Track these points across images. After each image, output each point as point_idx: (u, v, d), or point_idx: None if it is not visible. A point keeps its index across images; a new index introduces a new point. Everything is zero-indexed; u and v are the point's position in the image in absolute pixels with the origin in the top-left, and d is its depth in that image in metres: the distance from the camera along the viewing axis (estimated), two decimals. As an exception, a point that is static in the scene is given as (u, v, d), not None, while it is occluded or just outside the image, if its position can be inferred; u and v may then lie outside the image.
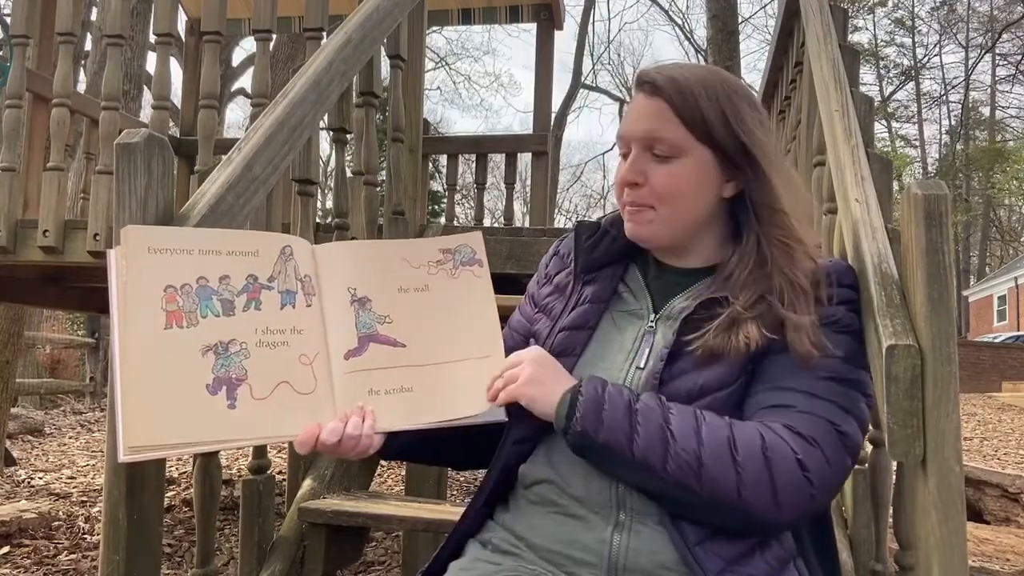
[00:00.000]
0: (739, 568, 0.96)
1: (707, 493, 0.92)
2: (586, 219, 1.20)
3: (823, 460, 0.93)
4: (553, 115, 10.75)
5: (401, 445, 1.09)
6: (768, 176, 1.04)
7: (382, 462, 4.53)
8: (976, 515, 4.31)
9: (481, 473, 1.19)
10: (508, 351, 1.21)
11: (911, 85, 35.47)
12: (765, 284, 1.01)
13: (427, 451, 1.17)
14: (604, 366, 1.07)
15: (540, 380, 1.02)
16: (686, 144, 1.03)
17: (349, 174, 2.49)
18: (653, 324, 1.07)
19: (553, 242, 1.26)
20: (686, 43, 25.92)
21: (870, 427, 1.63)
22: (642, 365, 1.04)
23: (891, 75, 35.38)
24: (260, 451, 1.80)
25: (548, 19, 4.79)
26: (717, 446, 0.93)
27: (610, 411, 0.96)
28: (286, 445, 2.20)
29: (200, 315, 1.02)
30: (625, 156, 1.08)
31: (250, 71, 4.34)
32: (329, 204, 8.57)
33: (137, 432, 0.95)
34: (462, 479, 4.65)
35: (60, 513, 3.49)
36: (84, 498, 3.90)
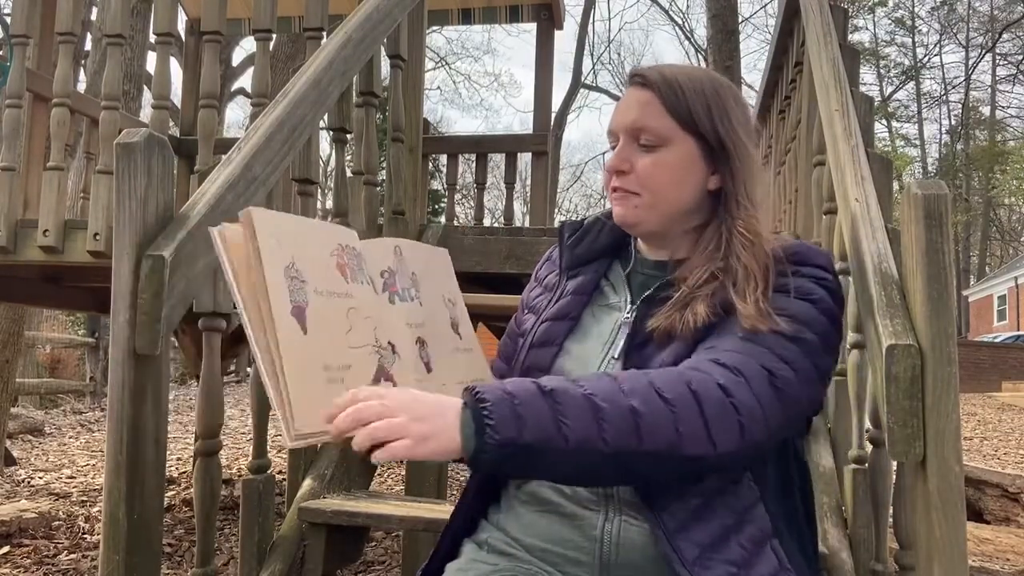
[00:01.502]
0: (715, 555, 0.95)
1: (649, 446, 0.86)
2: (569, 219, 1.23)
3: (748, 391, 0.90)
4: (553, 115, 10.74)
5: None
6: (741, 171, 1.07)
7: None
8: (976, 515, 4.31)
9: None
10: (505, 357, 1.23)
11: (911, 85, 35.49)
12: (718, 265, 1.03)
13: None
14: (582, 356, 1.09)
15: (421, 415, 0.83)
16: (671, 133, 1.06)
17: (349, 174, 2.49)
18: (630, 316, 1.09)
19: (555, 241, 1.28)
20: (686, 43, 25.92)
21: (870, 426, 1.64)
22: (617, 355, 1.07)
23: (891, 75, 35.41)
24: (260, 451, 1.80)
25: (548, 19, 4.79)
26: (644, 394, 0.87)
27: (524, 403, 0.83)
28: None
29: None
30: (613, 148, 1.11)
31: (250, 71, 4.34)
32: (329, 204, 8.57)
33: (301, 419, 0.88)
34: (462, 478, 4.65)
35: (60, 513, 3.49)
36: (84, 498, 3.90)
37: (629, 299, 1.12)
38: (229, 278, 0.90)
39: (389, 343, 1.03)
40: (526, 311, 1.23)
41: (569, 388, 0.87)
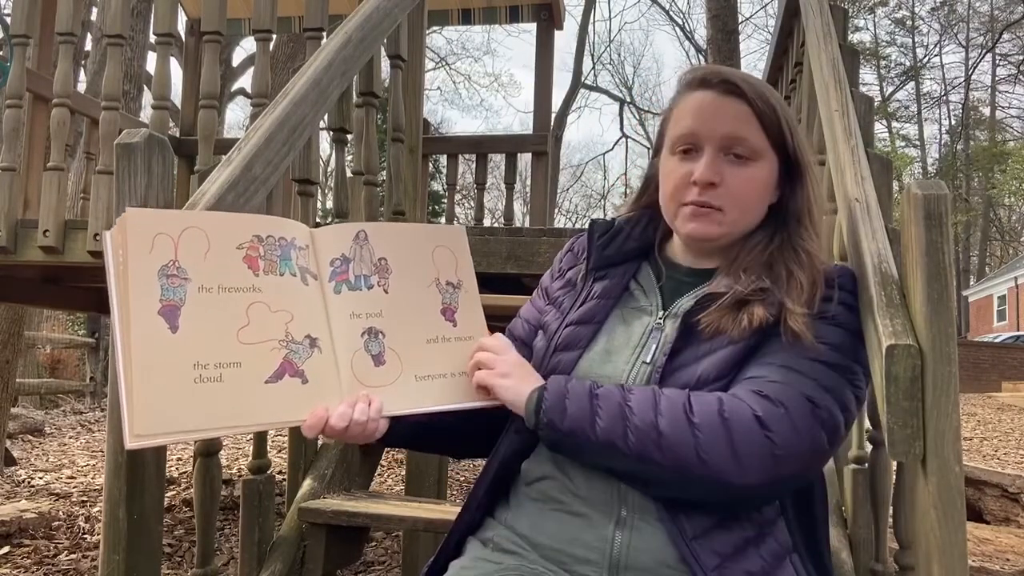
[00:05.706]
0: (734, 564, 0.96)
1: (669, 462, 0.93)
2: (600, 218, 1.21)
3: (788, 423, 0.93)
4: (553, 115, 10.73)
5: (404, 433, 1.09)
6: (808, 189, 1.09)
7: (382, 462, 4.53)
8: (976, 515, 4.31)
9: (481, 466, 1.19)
10: (518, 340, 1.23)
11: (911, 85, 35.49)
12: (768, 272, 1.03)
13: (430, 439, 1.17)
14: (611, 359, 1.08)
15: (510, 374, 1.06)
16: (764, 149, 1.07)
17: (349, 174, 2.49)
18: (661, 321, 1.09)
19: (556, 241, 1.27)
20: (686, 43, 25.92)
21: (870, 426, 1.64)
22: (648, 360, 1.06)
23: (891, 75, 35.40)
24: (260, 451, 1.80)
25: (548, 19, 4.79)
26: (673, 414, 0.94)
27: (573, 399, 0.99)
28: (286, 445, 2.21)
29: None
30: (686, 152, 1.07)
31: (250, 71, 4.33)
32: (329, 204, 8.57)
33: (145, 420, 0.89)
34: (462, 479, 4.65)
35: (60, 513, 3.49)
36: (84, 498, 3.90)
37: (660, 303, 1.11)
38: (109, 279, 0.92)
39: (307, 336, 1.00)
40: (548, 302, 1.21)
41: (613, 394, 0.98)
